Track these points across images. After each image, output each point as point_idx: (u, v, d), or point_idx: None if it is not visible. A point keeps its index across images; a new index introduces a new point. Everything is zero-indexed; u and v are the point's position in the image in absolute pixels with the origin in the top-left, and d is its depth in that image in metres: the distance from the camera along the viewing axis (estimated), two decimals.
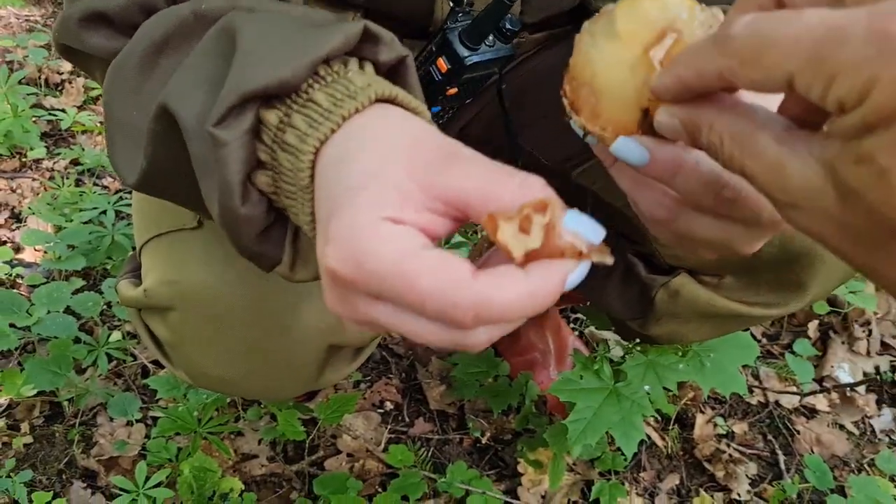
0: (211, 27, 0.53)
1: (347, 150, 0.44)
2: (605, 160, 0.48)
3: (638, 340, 1.12)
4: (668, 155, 0.43)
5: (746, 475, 1.36)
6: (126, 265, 0.86)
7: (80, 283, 1.51)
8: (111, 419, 1.30)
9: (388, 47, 0.51)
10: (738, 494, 1.33)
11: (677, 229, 0.48)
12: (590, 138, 0.45)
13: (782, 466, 1.39)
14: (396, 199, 0.39)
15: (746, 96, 0.38)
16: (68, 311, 1.33)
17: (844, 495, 1.32)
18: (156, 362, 1.38)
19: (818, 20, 0.30)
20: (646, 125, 0.42)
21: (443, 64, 0.78)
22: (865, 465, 1.41)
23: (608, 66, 0.42)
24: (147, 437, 1.27)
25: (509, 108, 0.89)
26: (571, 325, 1.59)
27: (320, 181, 0.45)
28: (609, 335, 1.53)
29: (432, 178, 0.39)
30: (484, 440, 1.37)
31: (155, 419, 1.29)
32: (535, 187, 0.39)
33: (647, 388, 1.11)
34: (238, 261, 0.75)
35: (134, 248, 0.87)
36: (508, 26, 0.76)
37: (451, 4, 0.77)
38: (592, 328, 1.57)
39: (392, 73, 0.51)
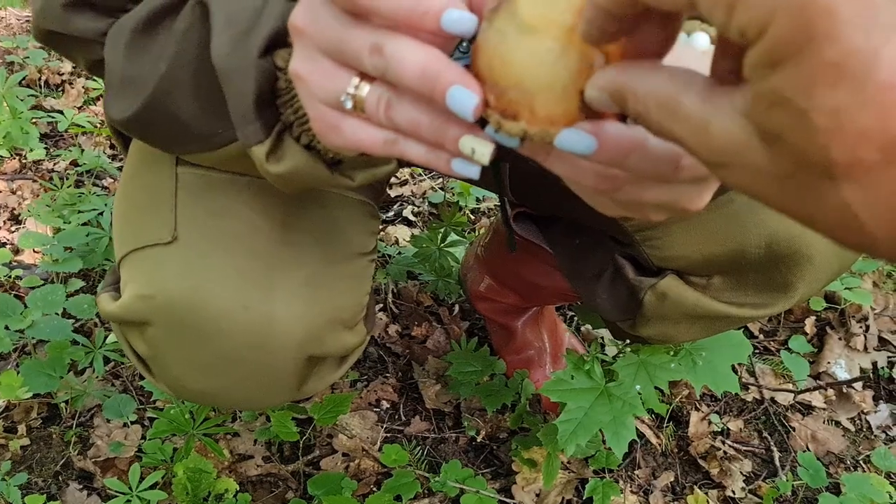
0: None
1: None
2: (536, 156, 0.47)
3: (628, 341, 1.12)
4: (618, 138, 0.42)
5: (741, 472, 1.37)
6: (107, 278, 0.86)
7: (79, 283, 1.53)
8: (108, 420, 1.31)
9: None
10: (733, 492, 1.34)
11: (621, 199, 0.48)
12: (511, 140, 0.44)
13: (777, 464, 1.39)
14: None
15: (671, 60, 0.38)
16: (65, 313, 1.34)
17: (839, 492, 1.32)
18: None
19: None
20: (588, 109, 0.41)
21: None
22: (861, 462, 1.41)
23: (536, 61, 0.40)
24: (144, 437, 1.28)
25: None
26: (567, 323, 1.60)
27: None
28: (604, 333, 1.53)
29: None
30: (479, 439, 1.38)
31: (152, 420, 1.30)
32: None
33: (638, 387, 1.11)
34: (211, 274, 0.76)
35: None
36: None
37: None
38: (588, 326, 1.57)
39: None
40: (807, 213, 0.32)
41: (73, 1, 0.65)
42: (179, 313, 0.76)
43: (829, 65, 0.27)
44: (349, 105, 0.47)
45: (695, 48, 0.54)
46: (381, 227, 1.73)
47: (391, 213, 1.94)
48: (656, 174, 0.45)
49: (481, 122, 0.44)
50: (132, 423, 1.30)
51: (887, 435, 1.47)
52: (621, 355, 1.16)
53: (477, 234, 1.82)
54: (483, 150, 0.44)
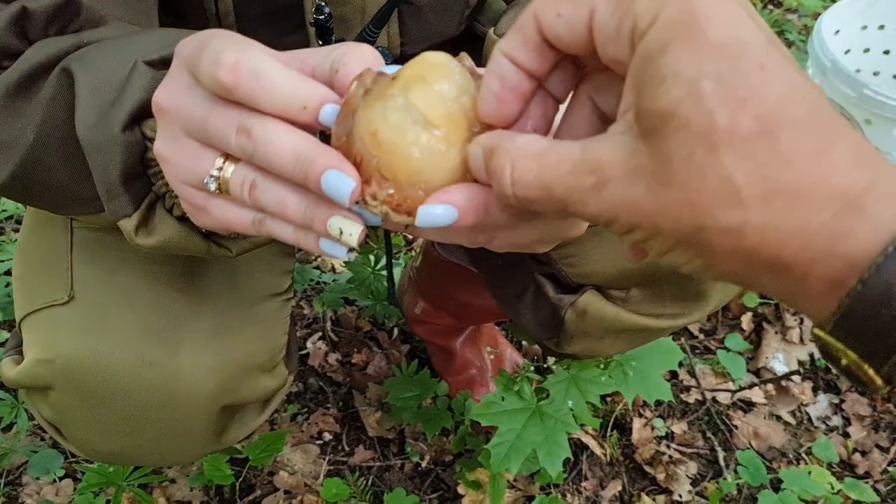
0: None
1: None
2: (400, 231, 0.48)
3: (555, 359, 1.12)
4: (472, 199, 0.42)
5: (687, 475, 1.37)
6: (10, 340, 0.83)
7: (5, 335, 1.48)
8: (37, 478, 1.27)
9: None
10: (680, 496, 1.34)
11: (500, 245, 0.48)
12: (374, 218, 0.44)
13: (722, 463, 1.40)
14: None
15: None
16: None
17: (780, 488, 1.33)
18: None
19: None
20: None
21: None
22: (803, 455, 1.43)
23: (434, 156, 0.41)
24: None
25: None
26: (509, 338, 1.59)
27: None
28: None
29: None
30: (424, 464, 1.36)
31: (84, 473, 1.27)
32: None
33: (570, 403, 1.10)
34: (111, 333, 0.73)
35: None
36: None
37: (320, 43, 0.76)
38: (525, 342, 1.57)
39: None
40: (688, 197, 0.33)
41: None
42: (80, 377, 0.74)
43: (713, 43, 0.32)
44: (213, 187, 0.47)
45: None
46: (313, 257, 1.71)
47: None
48: (521, 218, 0.44)
49: None
50: (62, 478, 1.26)
51: (827, 425, 1.49)
52: (553, 370, 1.15)
53: (414, 254, 1.81)
54: (352, 231, 0.44)
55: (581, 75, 0.43)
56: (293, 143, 0.43)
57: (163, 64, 0.53)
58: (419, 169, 0.41)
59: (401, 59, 0.84)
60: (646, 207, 0.34)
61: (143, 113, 0.52)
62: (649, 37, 0.33)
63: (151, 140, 0.52)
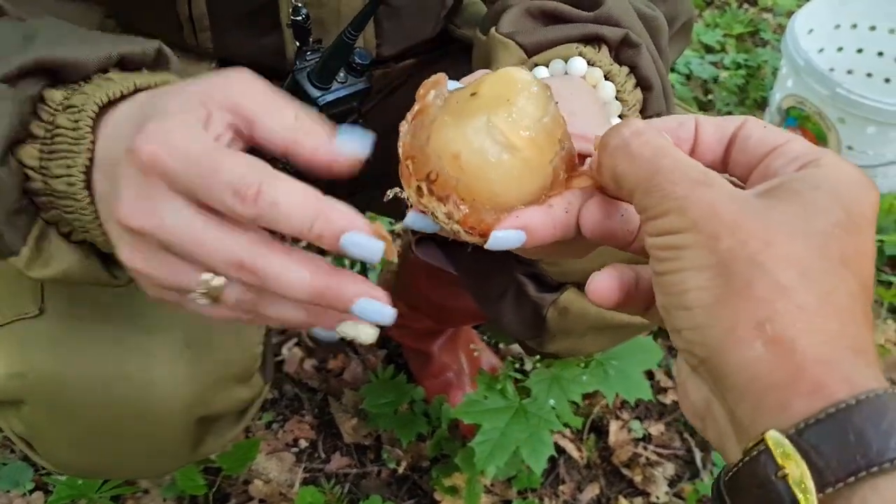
0: None
1: (144, 97, 0.48)
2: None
3: (538, 357, 1.11)
4: (543, 226, 0.42)
5: (664, 477, 1.37)
6: None
7: None
8: (7, 491, 1.23)
9: (180, 74, 0.54)
10: (657, 497, 1.34)
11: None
12: (433, 225, 0.44)
13: (699, 464, 1.40)
14: (201, 113, 0.43)
15: None
16: None
17: None
18: None
19: None
20: None
21: None
22: None
23: (515, 181, 0.41)
24: None
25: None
26: (485, 340, 1.58)
27: (111, 124, 0.48)
28: (520, 348, 1.52)
29: (229, 97, 0.44)
30: (401, 470, 1.35)
31: (55, 486, 1.23)
32: (307, 119, 0.44)
33: (552, 402, 1.10)
34: (83, 345, 0.71)
35: None
36: (358, 60, 0.74)
37: (297, 44, 0.75)
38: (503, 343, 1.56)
39: None
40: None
41: None
42: (53, 390, 0.71)
43: None
44: (204, 302, 0.45)
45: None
46: None
47: (303, 244, 1.90)
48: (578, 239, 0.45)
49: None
50: (31, 491, 1.23)
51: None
52: (535, 369, 1.15)
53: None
54: (368, 334, 0.44)
55: None
56: (309, 282, 0.42)
57: (27, 76, 0.49)
58: (500, 192, 0.41)
59: (377, 61, 0.83)
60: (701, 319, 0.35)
61: (17, 140, 0.49)
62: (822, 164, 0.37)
63: (31, 168, 0.49)
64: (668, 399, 1.52)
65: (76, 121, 0.48)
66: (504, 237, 0.42)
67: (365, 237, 0.41)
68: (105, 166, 0.48)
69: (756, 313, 0.32)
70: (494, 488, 1.31)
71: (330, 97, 0.74)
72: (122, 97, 0.49)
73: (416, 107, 0.42)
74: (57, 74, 0.50)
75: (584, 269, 0.91)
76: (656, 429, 1.46)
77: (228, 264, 0.42)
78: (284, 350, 1.52)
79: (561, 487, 1.34)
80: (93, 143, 0.48)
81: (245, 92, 0.45)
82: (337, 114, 0.77)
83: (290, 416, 1.43)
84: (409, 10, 0.82)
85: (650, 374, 1.52)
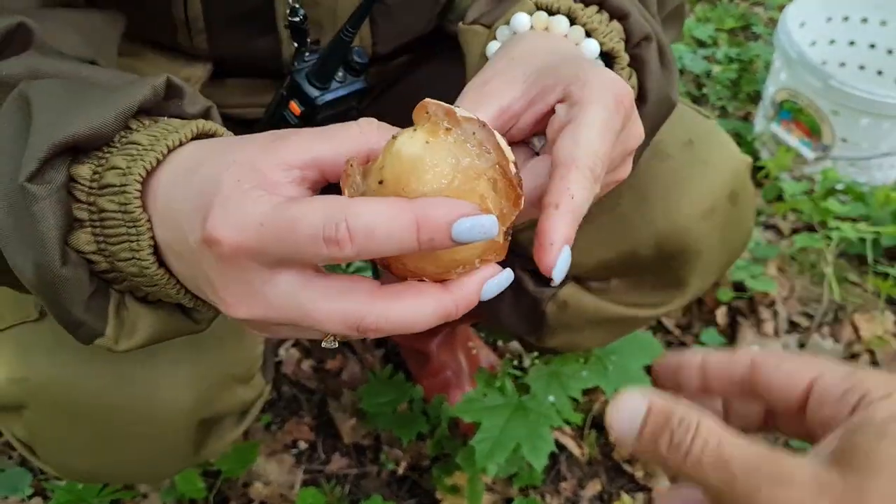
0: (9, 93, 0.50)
1: (189, 161, 0.44)
2: None
3: (537, 354, 1.11)
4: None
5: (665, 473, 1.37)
6: None
7: None
8: (5, 497, 1.22)
9: (192, 100, 0.50)
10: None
11: None
12: None
13: None
14: (257, 178, 0.41)
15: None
16: None
17: None
18: None
19: None
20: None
21: (296, 107, 0.75)
22: (779, 446, 1.43)
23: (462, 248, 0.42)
24: None
25: None
26: (483, 338, 1.58)
27: (165, 198, 0.44)
28: (518, 345, 1.52)
29: (279, 155, 0.41)
30: (401, 470, 1.34)
31: (54, 492, 1.22)
32: (372, 125, 0.43)
33: (551, 398, 1.10)
34: (86, 349, 0.71)
35: None
36: (357, 59, 0.74)
37: (296, 45, 0.75)
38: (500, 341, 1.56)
39: None
40: None
41: None
42: (55, 394, 0.71)
43: None
44: (334, 345, 0.45)
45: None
46: None
47: None
48: None
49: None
50: (30, 497, 1.22)
51: None
52: (531, 368, 1.14)
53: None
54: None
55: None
56: (432, 315, 0.41)
57: (47, 165, 0.45)
58: (440, 257, 0.41)
59: (373, 59, 0.83)
60: None
61: (67, 233, 0.46)
62: (881, 405, 0.35)
63: (90, 253, 0.47)
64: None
65: (123, 203, 0.45)
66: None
67: (473, 217, 0.38)
68: (174, 250, 0.45)
69: None
70: (496, 486, 1.30)
71: (329, 97, 0.74)
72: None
73: (342, 181, 0.42)
74: (76, 147, 0.46)
75: (584, 262, 0.91)
76: None
77: (346, 328, 0.40)
78: (282, 351, 1.51)
79: (562, 484, 1.33)
80: (148, 220, 0.45)
81: (286, 141, 0.43)
82: (336, 114, 0.77)
83: (288, 417, 1.43)
84: (402, 6, 0.82)
85: (648, 370, 1.52)
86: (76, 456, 0.77)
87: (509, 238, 0.43)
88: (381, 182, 0.40)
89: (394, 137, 0.41)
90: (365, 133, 0.43)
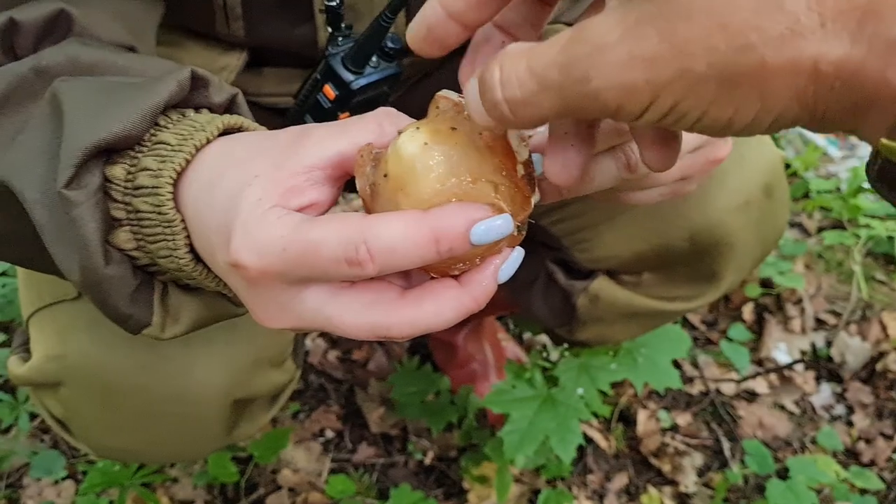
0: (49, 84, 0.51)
1: (212, 171, 0.45)
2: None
3: (565, 347, 1.11)
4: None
5: (693, 466, 1.37)
6: (16, 338, 0.81)
7: (1, 336, 1.45)
8: (38, 479, 1.24)
9: (218, 89, 0.51)
10: (686, 486, 1.33)
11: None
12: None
13: (727, 454, 1.39)
14: (278, 191, 0.41)
15: None
16: None
17: (787, 477, 1.33)
18: None
19: None
20: None
21: (330, 91, 0.76)
22: (808, 444, 1.42)
23: None
24: (78, 493, 1.22)
25: None
26: (510, 331, 1.58)
27: (193, 208, 0.46)
28: (546, 339, 1.52)
29: (299, 159, 0.42)
30: (428, 460, 1.35)
31: (86, 474, 1.24)
32: (389, 116, 0.44)
33: (580, 391, 1.10)
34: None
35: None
36: (391, 45, 0.74)
37: (330, 30, 0.75)
38: (529, 333, 1.56)
39: (227, 112, 0.52)
40: (719, 21, 0.30)
41: None
42: (92, 372, 0.72)
43: None
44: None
45: None
46: None
47: None
48: None
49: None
50: (63, 479, 1.24)
51: (831, 414, 1.49)
52: (561, 360, 1.14)
53: None
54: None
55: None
56: (455, 316, 0.41)
57: (82, 169, 0.46)
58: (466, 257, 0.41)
59: (408, 49, 0.83)
60: (666, 54, 0.30)
61: (105, 236, 0.48)
62: None
63: (130, 250, 0.48)
64: (694, 390, 1.51)
65: (157, 205, 0.46)
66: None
67: (488, 220, 0.39)
68: (207, 257, 0.46)
69: None
70: (523, 477, 1.31)
71: (363, 81, 0.74)
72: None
73: (355, 169, 0.42)
74: (108, 149, 0.47)
75: (617, 255, 0.91)
76: (683, 419, 1.45)
77: (374, 338, 0.41)
78: (308, 341, 1.52)
79: (589, 476, 1.34)
80: (182, 220, 0.47)
81: (305, 143, 0.43)
82: (369, 98, 0.77)
83: (316, 406, 1.44)
84: None
85: (676, 365, 1.52)
86: (111, 434, 0.77)
87: (524, 232, 0.42)
88: (385, 175, 0.40)
89: (399, 133, 0.41)
90: (381, 125, 0.43)
